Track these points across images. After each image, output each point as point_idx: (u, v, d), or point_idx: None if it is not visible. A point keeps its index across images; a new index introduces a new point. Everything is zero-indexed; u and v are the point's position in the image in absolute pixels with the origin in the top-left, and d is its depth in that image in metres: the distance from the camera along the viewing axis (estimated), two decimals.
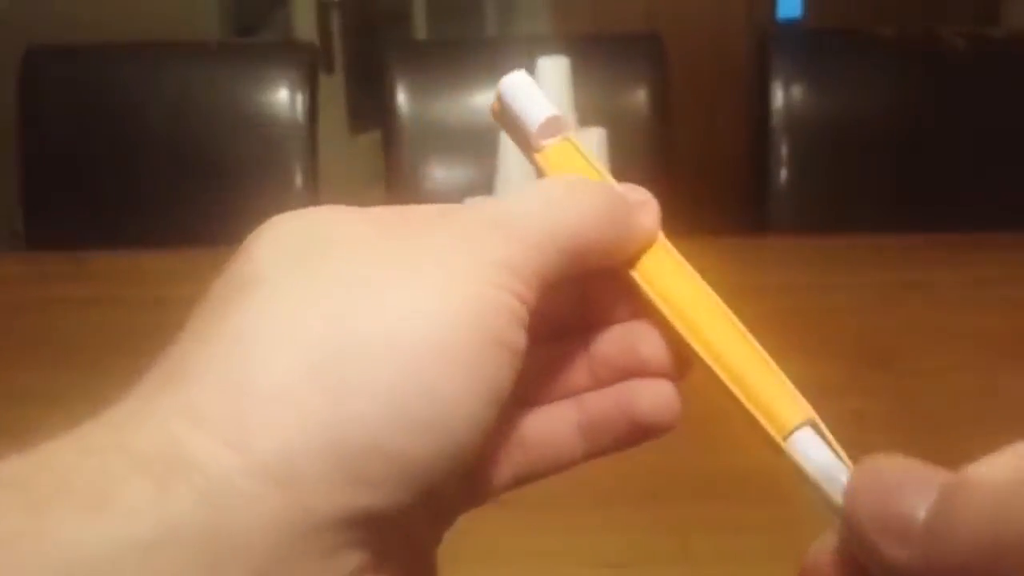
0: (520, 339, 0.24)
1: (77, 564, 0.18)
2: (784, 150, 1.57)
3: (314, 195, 1.56)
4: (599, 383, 0.29)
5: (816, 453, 0.26)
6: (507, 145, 1.29)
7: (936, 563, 0.19)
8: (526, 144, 0.30)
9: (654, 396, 0.28)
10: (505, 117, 0.30)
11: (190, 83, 1.58)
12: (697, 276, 0.29)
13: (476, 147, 1.49)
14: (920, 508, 0.20)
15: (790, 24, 2.84)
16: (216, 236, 1.39)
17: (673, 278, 0.28)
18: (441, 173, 1.59)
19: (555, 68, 1.29)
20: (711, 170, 2.23)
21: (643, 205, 0.28)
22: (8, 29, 1.96)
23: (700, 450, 0.80)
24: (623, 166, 1.52)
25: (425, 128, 1.58)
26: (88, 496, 0.19)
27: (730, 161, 1.97)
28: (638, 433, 0.29)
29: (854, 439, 0.88)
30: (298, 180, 1.55)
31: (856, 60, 1.61)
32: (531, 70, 1.32)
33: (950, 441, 0.83)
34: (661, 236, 0.29)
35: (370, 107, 1.73)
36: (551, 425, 0.29)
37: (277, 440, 0.20)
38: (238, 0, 2.71)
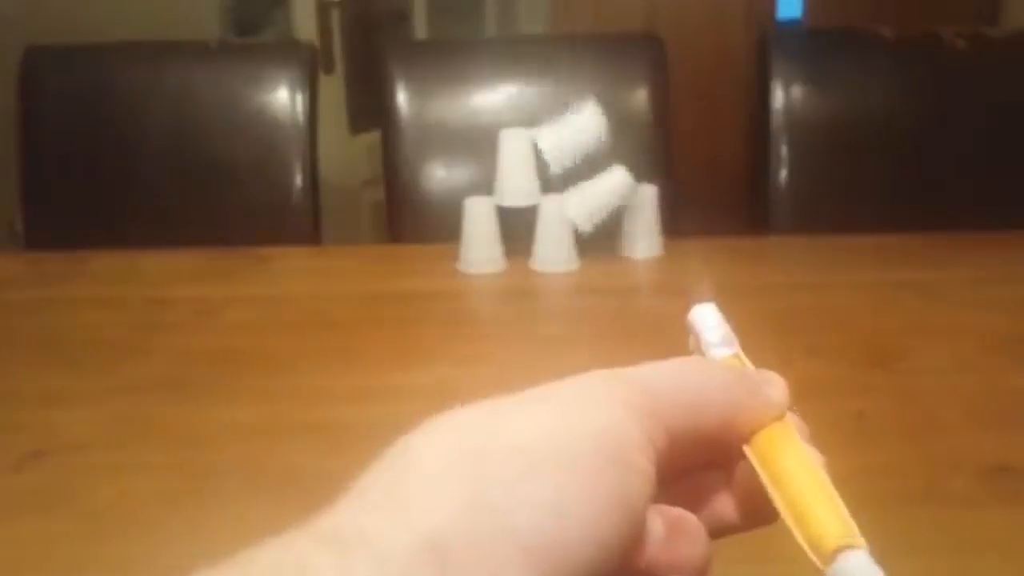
0: (646, 466, 0.28)
1: None
2: (784, 150, 1.57)
3: (314, 195, 1.56)
4: (746, 515, 0.34)
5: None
6: (507, 146, 1.29)
7: None
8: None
9: None
10: (693, 332, 0.38)
11: (190, 83, 1.58)
12: (805, 453, 0.32)
13: (476, 147, 1.48)
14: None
15: (790, 24, 2.84)
16: (216, 236, 1.40)
17: (780, 451, 0.32)
18: (441, 173, 1.59)
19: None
20: (711, 170, 2.23)
21: (771, 385, 0.33)
22: (8, 29, 1.96)
23: None
24: (623, 166, 1.52)
25: (425, 128, 1.58)
26: (287, 572, 0.24)
27: (730, 161, 1.97)
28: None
29: (854, 439, 0.88)
30: (298, 180, 1.55)
31: (856, 60, 1.61)
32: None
33: (950, 441, 0.83)
34: (788, 416, 0.33)
35: (370, 107, 1.73)
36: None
37: (433, 520, 0.25)
38: (238, 0, 2.71)
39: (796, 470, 0.31)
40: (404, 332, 1.08)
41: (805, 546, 0.29)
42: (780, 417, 0.33)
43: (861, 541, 0.28)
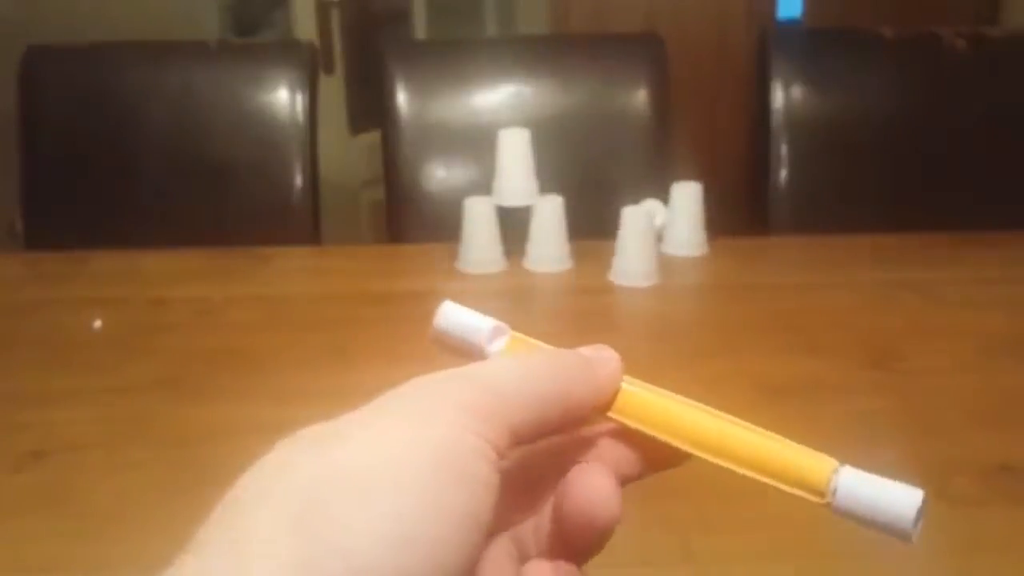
0: (487, 473, 0.27)
1: None
2: (784, 150, 1.57)
3: (314, 195, 1.56)
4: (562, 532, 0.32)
5: (862, 491, 0.28)
6: (507, 145, 1.29)
7: None
8: (477, 354, 0.34)
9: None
10: (448, 340, 0.35)
11: (190, 83, 1.58)
12: (669, 395, 0.32)
13: (476, 147, 1.49)
14: None
15: (790, 24, 2.84)
16: (215, 236, 1.40)
17: (650, 407, 0.32)
18: (441, 173, 1.59)
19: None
20: (711, 170, 2.23)
21: (604, 362, 0.32)
22: (8, 29, 1.96)
23: None
24: (624, 166, 1.52)
25: (425, 128, 1.58)
26: None
27: (730, 161, 1.97)
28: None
29: (855, 438, 0.89)
30: (298, 180, 1.55)
31: (856, 60, 1.61)
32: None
33: (951, 441, 0.83)
34: (627, 378, 0.33)
35: (370, 107, 1.73)
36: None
37: None
38: (238, 0, 2.71)
39: (725, 431, 0.30)
40: (404, 332, 1.08)
41: (799, 493, 0.29)
42: (618, 387, 0.32)
43: (834, 460, 0.29)
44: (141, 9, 2.32)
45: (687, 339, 1.05)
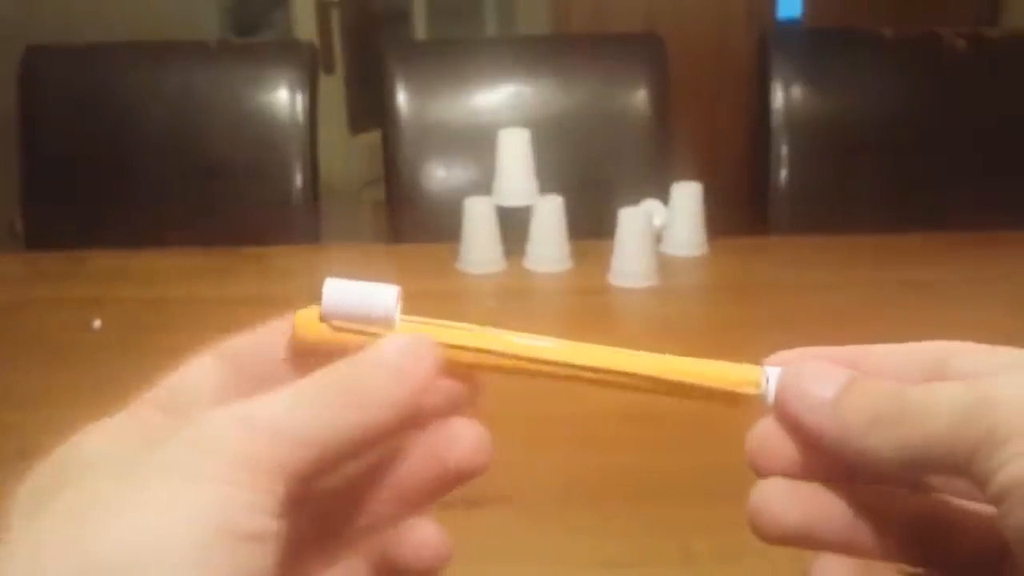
0: (265, 525, 0.25)
1: None
2: (784, 150, 1.57)
3: (314, 195, 1.56)
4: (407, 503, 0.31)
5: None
6: (507, 145, 1.29)
7: (836, 428, 0.29)
8: (386, 327, 0.30)
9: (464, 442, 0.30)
10: (344, 322, 0.31)
11: (190, 83, 1.58)
12: (526, 336, 0.31)
13: (476, 147, 1.49)
14: (828, 391, 0.30)
15: (790, 24, 2.84)
16: (215, 236, 1.40)
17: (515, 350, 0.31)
18: (441, 173, 1.59)
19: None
20: (711, 170, 2.23)
21: (416, 360, 0.29)
22: (8, 29, 1.96)
23: (700, 450, 0.79)
24: (624, 166, 1.52)
25: (425, 128, 1.58)
26: None
27: (730, 161, 1.97)
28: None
29: None
30: (298, 180, 1.55)
31: (856, 60, 1.61)
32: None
33: None
34: (476, 328, 0.30)
35: (370, 107, 1.73)
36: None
37: None
38: (238, 0, 2.71)
39: (631, 360, 0.32)
40: None
41: (735, 389, 0.31)
42: (434, 377, 0.29)
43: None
44: (140, 9, 2.32)
45: (687, 339, 1.05)
